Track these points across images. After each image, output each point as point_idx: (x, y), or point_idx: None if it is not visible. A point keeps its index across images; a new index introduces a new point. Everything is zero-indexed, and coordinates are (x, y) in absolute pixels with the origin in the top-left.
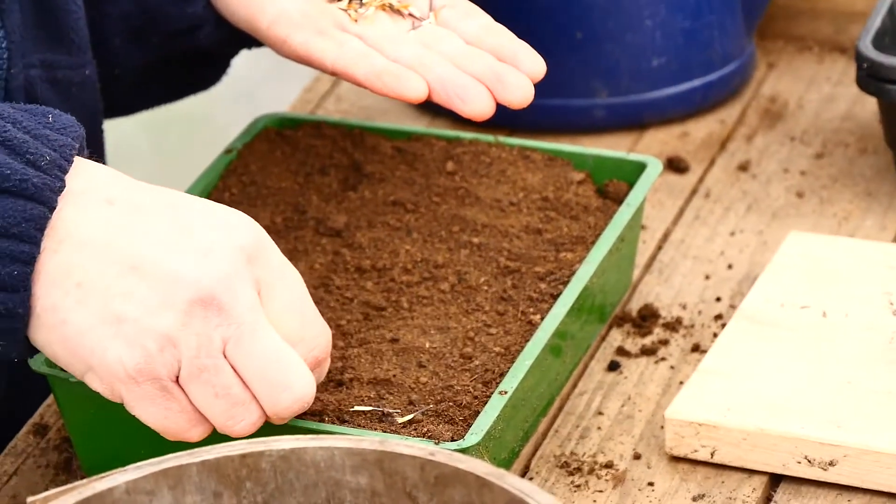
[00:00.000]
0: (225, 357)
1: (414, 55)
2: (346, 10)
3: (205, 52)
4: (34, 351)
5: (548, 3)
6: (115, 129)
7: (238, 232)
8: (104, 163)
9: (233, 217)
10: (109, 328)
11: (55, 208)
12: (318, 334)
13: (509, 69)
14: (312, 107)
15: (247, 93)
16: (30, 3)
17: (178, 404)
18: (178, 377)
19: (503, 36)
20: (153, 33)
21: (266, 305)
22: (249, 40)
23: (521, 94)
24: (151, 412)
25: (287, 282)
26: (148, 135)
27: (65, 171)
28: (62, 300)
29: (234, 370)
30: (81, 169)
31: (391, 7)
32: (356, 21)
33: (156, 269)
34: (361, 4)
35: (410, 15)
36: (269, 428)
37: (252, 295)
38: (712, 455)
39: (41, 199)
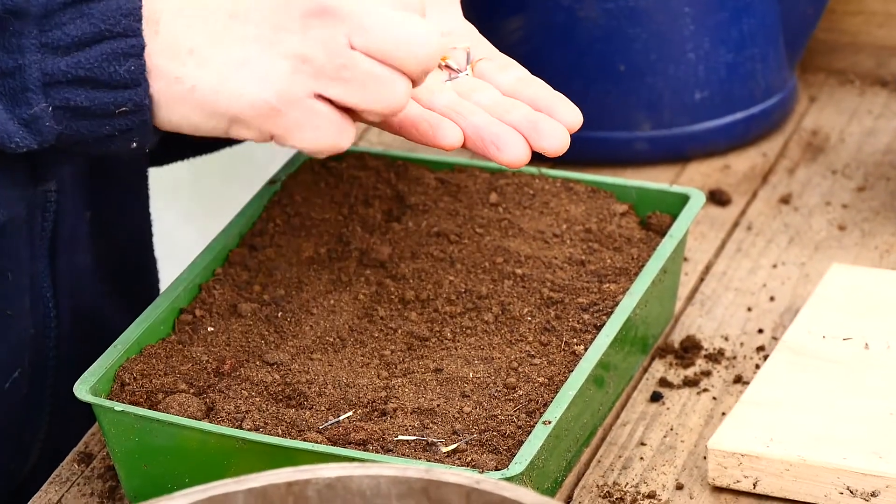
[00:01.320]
0: (354, 48)
1: (449, 104)
2: None
3: None
4: (164, 137)
5: (591, 36)
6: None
7: None
8: (149, 210)
9: None
10: (238, 73)
11: None
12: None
13: (544, 117)
14: (355, 139)
15: None
16: None
17: (324, 118)
18: (315, 92)
19: (539, 87)
20: None
21: None
22: None
23: (556, 142)
24: (305, 136)
25: None
26: (188, 170)
27: None
28: (182, 69)
29: (368, 55)
30: None
31: None
32: None
33: (254, 7)
34: None
35: (447, 66)
36: (314, 455)
37: None
38: (755, 486)
39: None
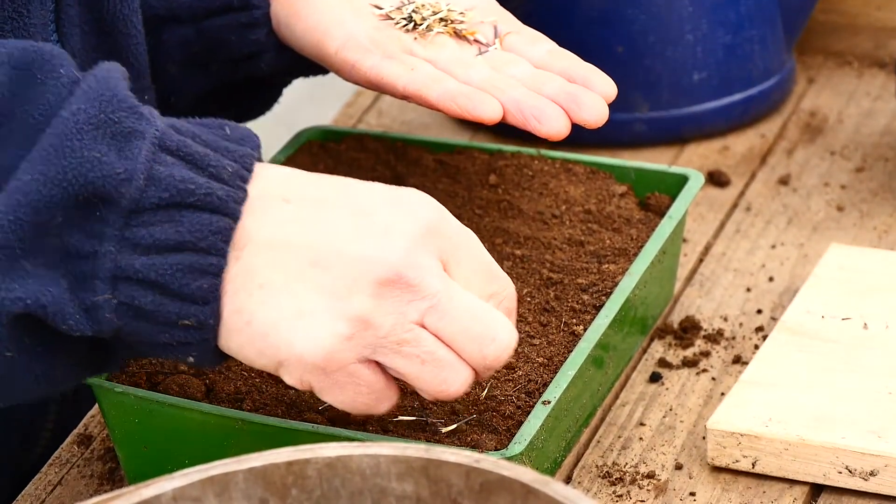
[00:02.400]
0: (424, 327)
1: (485, 78)
2: (413, 34)
3: (261, 80)
4: (224, 359)
5: (589, 18)
6: None
7: (416, 207)
8: None
9: (410, 195)
10: (295, 322)
11: (239, 218)
12: (505, 286)
13: (582, 89)
14: (354, 121)
15: (286, 113)
16: (90, 27)
17: (367, 386)
18: (366, 357)
19: (571, 59)
20: (213, 60)
21: (454, 274)
22: (308, 68)
23: (596, 114)
24: (342, 398)
25: (469, 245)
26: None
27: (246, 181)
28: (246, 303)
29: (437, 337)
30: (257, 173)
31: (457, 33)
32: (420, 38)
33: (336, 260)
34: (428, 29)
35: (476, 41)
36: (313, 436)
37: (438, 265)
38: (753, 465)
39: (226, 211)
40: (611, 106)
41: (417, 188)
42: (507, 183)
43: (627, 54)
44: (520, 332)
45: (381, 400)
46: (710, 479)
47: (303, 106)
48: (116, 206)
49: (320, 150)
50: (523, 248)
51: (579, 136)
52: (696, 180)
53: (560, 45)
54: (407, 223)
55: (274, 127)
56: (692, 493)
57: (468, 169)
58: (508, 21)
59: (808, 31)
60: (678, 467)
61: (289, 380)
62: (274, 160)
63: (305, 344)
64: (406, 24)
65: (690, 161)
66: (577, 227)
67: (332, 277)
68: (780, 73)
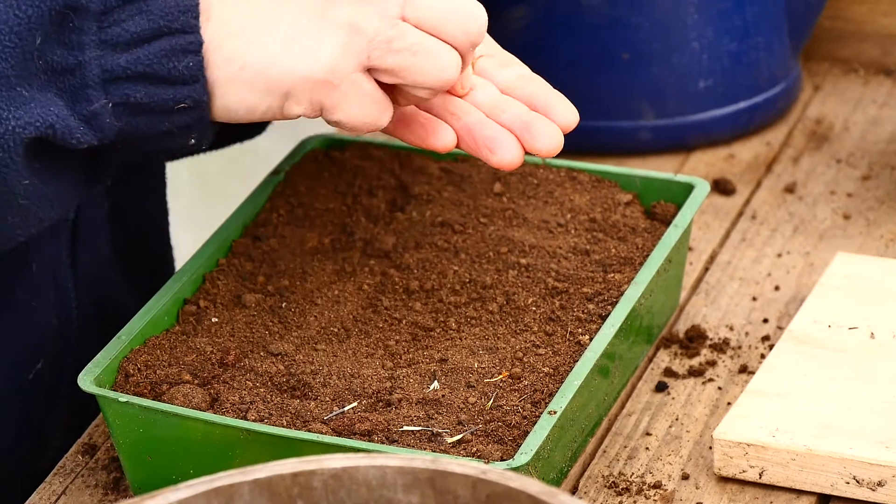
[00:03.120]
0: (405, 20)
1: (443, 102)
2: None
3: None
4: (219, 131)
5: (594, 25)
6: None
7: None
8: (165, 199)
9: None
10: (289, 48)
11: None
12: None
13: (539, 118)
14: None
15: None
16: None
17: (370, 95)
18: (364, 65)
19: (538, 85)
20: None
21: None
22: None
23: (550, 143)
24: (351, 110)
25: None
26: (189, 164)
27: None
28: (231, 52)
29: (420, 28)
30: None
31: None
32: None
33: None
34: None
35: None
36: (319, 446)
37: None
38: (761, 475)
39: None
40: (616, 114)
41: (422, 196)
42: (512, 191)
43: (633, 62)
44: (525, 342)
45: (383, 110)
46: (717, 489)
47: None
48: (86, 11)
49: (325, 159)
50: (528, 256)
51: (584, 144)
52: (702, 189)
53: (566, 52)
54: None
55: (278, 136)
56: None
57: (473, 177)
58: (485, 43)
59: (814, 39)
60: (685, 477)
61: (297, 108)
62: (279, 168)
63: (307, 63)
64: None
65: (696, 169)
66: (582, 236)
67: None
68: (785, 80)
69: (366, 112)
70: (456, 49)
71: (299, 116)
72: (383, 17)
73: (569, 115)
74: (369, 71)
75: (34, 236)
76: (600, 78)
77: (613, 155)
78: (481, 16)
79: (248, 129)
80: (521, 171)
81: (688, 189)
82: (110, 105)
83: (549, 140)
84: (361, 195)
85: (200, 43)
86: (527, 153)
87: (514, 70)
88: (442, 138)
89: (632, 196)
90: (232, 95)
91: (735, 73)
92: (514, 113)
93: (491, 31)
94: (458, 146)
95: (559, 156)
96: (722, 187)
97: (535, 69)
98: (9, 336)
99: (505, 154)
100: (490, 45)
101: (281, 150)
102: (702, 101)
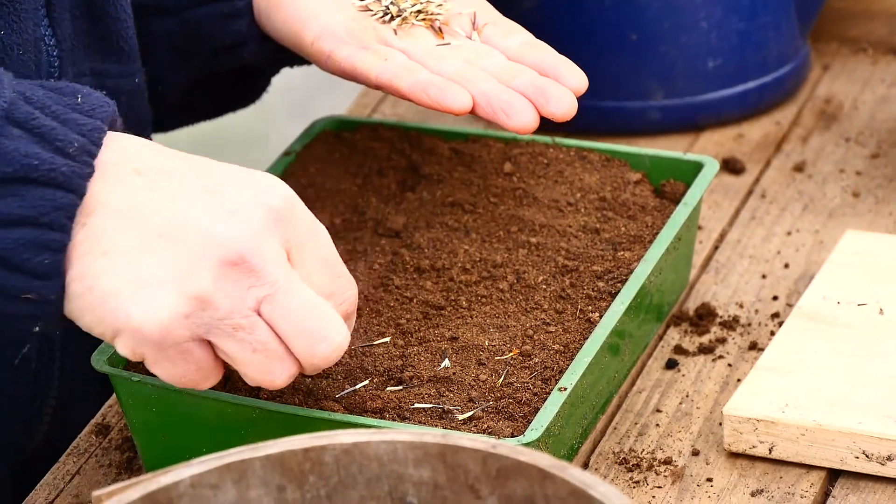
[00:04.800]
0: (259, 315)
1: (457, 70)
2: (389, 25)
3: (247, 69)
4: (69, 323)
5: (603, 5)
6: (170, 146)
7: (267, 193)
8: None
9: (262, 179)
10: (137, 292)
11: (84, 194)
12: (347, 288)
13: (551, 83)
14: (369, 111)
15: (301, 103)
16: (80, 12)
17: (195, 363)
18: (200, 337)
19: (545, 51)
20: (196, 51)
21: (297, 264)
22: (292, 58)
23: (564, 107)
24: (171, 372)
25: (316, 238)
26: (204, 154)
27: (94, 156)
28: (90, 268)
29: (269, 326)
30: (111, 142)
31: (433, 25)
32: (397, 29)
33: (182, 234)
34: (404, 20)
35: (450, 33)
36: (330, 423)
37: (282, 254)
38: (770, 451)
39: (70, 187)
40: (625, 94)
41: (432, 176)
42: (522, 171)
43: (641, 41)
44: (536, 319)
45: (207, 378)
46: (727, 464)
47: (318, 96)
48: None
49: (335, 140)
50: (538, 235)
51: (594, 124)
52: (711, 167)
53: (574, 33)
54: (256, 206)
55: (289, 117)
56: (709, 479)
57: (483, 157)
58: (486, 11)
59: (822, 18)
60: (695, 453)
61: (122, 350)
62: (290, 150)
63: (143, 316)
64: (383, 16)
65: (705, 148)
66: (592, 215)
67: (177, 251)
68: (794, 59)
69: (186, 377)
70: (298, 363)
71: (125, 356)
72: (239, 302)
73: (578, 79)
74: (206, 341)
75: None
76: (609, 58)
77: (623, 135)
78: (335, 340)
79: (243, 97)
80: (531, 150)
81: (697, 167)
82: None
83: (563, 104)
84: (372, 175)
85: (64, 244)
86: (542, 118)
87: (518, 37)
88: (459, 101)
89: (641, 175)
90: (74, 308)
91: (744, 53)
92: (526, 79)
93: (500, 10)
94: (472, 111)
95: (569, 135)
96: (731, 166)
97: None
98: None
99: (521, 118)
100: (492, 14)
101: (293, 130)
102: (711, 81)
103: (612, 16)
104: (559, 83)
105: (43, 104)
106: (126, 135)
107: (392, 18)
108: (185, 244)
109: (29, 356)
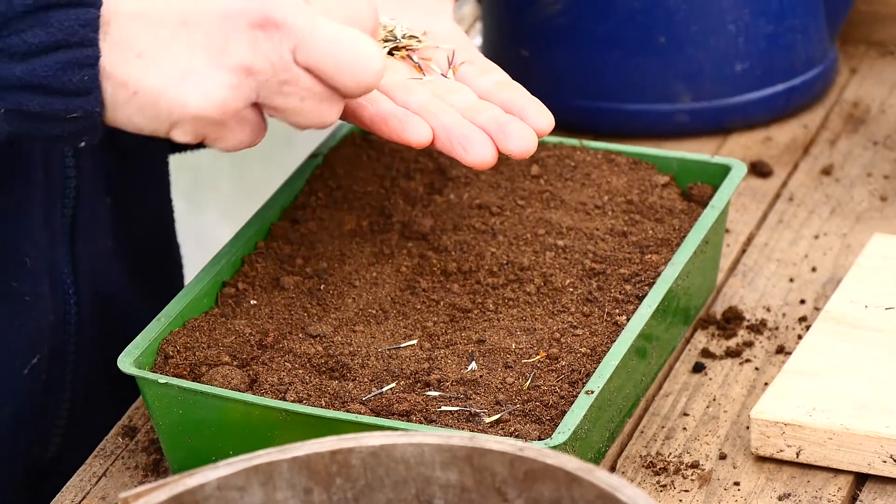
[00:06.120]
0: (297, 64)
1: (422, 103)
2: None
3: None
4: (111, 130)
5: (631, 8)
6: (198, 152)
7: None
8: (170, 195)
9: None
10: (182, 82)
11: (101, 5)
12: (363, 8)
13: (514, 120)
14: None
15: None
16: None
17: (250, 126)
18: (253, 101)
19: (516, 91)
20: None
21: (312, 4)
22: None
23: (523, 144)
24: (231, 141)
25: None
26: (230, 158)
27: None
28: (128, 73)
29: (310, 72)
30: None
31: (411, 59)
32: None
33: (203, 16)
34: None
35: (424, 69)
36: (357, 426)
37: (298, 1)
38: (798, 455)
39: (89, 2)
40: (653, 96)
41: (460, 179)
42: (550, 173)
43: (669, 45)
44: (563, 322)
45: (258, 136)
46: (755, 468)
47: None
48: None
49: (363, 142)
50: (566, 238)
51: (621, 127)
52: (739, 170)
53: (602, 36)
54: None
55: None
56: (736, 483)
57: (510, 160)
58: (466, 50)
59: (850, 22)
60: (722, 457)
61: (182, 136)
62: (317, 152)
63: (199, 101)
64: None
65: (733, 151)
66: (619, 218)
67: (205, 33)
68: (822, 63)
69: (243, 141)
70: (346, 96)
71: (185, 141)
72: (276, 61)
73: (544, 119)
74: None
75: (26, 230)
76: (637, 61)
77: (650, 137)
78: (375, 63)
79: None
80: (558, 153)
81: (724, 170)
82: (3, 111)
83: (522, 141)
84: (399, 178)
85: (97, 57)
86: (500, 153)
87: (493, 76)
88: (417, 133)
89: (669, 178)
90: (121, 114)
91: (772, 56)
92: (490, 115)
93: (526, 15)
94: (432, 144)
95: (597, 138)
96: (759, 170)
97: (571, 53)
98: (2, 330)
99: (478, 153)
100: (472, 52)
101: (320, 140)
102: (738, 84)
103: (640, 19)
104: (523, 121)
105: None
106: None
107: None
108: (209, 24)
109: (40, 367)
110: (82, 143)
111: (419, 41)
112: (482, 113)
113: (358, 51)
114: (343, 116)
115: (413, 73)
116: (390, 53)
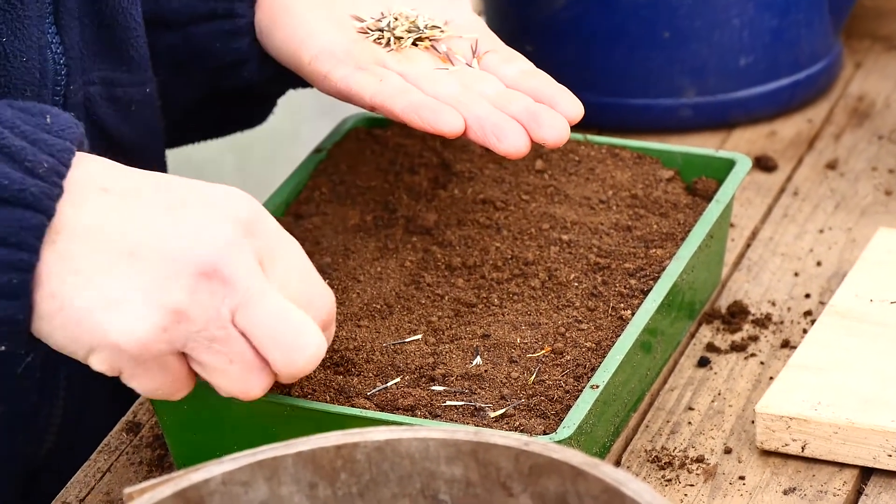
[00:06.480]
0: (234, 325)
1: (452, 93)
2: (387, 48)
3: (250, 89)
4: (39, 344)
5: (635, 3)
6: (201, 148)
7: (233, 205)
8: None
9: (228, 192)
10: (111, 308)
11: (53, 215)
12: (323, 296)
13: (545, 109)
14: None
15: (331, 104)
16: (90, 20)
17: (172, 375)
18: (179, 349)
19: (543, 79)
20: (198, 68)
21: (270, 275)
22: (294, 80)
23: (556, 133)
24: (148, 385)
25: (287, 249)
26: (233, 153)
27: (63, 177)
28: (60, 288)
29: (245, 337)
30: (78, 162)
31: (436, 48)
32: (393, 52)
33: (153, 251)
34: (399, 41)
35: (450, 57)
36: (362, 421)
37: (254, 263)
38: (803, 449)
39: (39, 208)
40: (657, 91)
41: (464, 174)
42: (554, 168)
43: (674, 39)
44: (567, 317)
45: (181, 388)
46: (760, 462)
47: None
48: None
49: (367, 137)
50: (570, 233)
51: (625, 122)
52: (744, 164)
53: (606, 30)
54: (225, 219)
55: (320, 114)
56: (741, 477)
57: None
58: (488, 39)
59: (854, 16)
60: (727, 451)
61: (99, 366)
62: (321, 147)
63: (120, 333)
64: (380, 38)
65: (737, 146)
66: (624, 212)
67: (149, 268)
68: (827, 57)
69: (162, 388)
70: (274, 373)
71: (100, 371)
72: (215, 314)
73: (574, 107)
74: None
75: None
76: (641, 55)
77: (655, 132)
78: (312, 349)
79: (248, 118)
80: (562, 147)
81: (729, 165)
82: None
83: (555, 130)
84: (403, 172)
85: (33, 264)
86: (533, 143)
87: (517, 65)
88: (449, 123)
89: (673, 172)
90: (45, 326)
91: (776, 50)
92: (521, 104)
93: (531, 9)
94: (464, 134)
95: (601, 132)
96: (764, 164)
97: (575, 47)
98: None
99: (511, 142)
100: (494, 42)
101: (323, 128)
102: (743, 78)
103: (644, 13)
104: (554, 110)
105: (12, 124)
106: (92, 155)
107: (389, 42)
108: (157, 260)
109: (33, 365)
110: (2, 348)
111: (442, 31)
112: (513, 102)
113: (300, 332)
114: (374, 108)
115: (438, 64)
116: (414, 44)
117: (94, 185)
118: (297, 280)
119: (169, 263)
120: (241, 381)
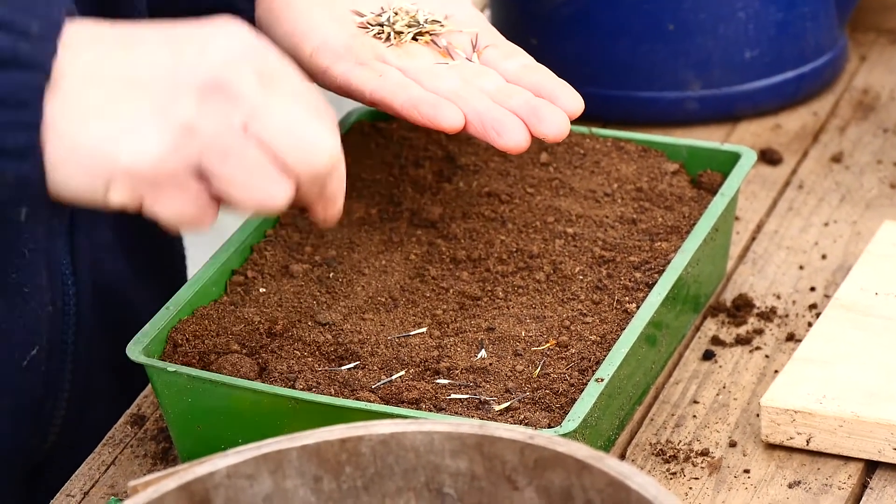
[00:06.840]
0: (247, 136)
1: (452, 88)
2: (387, 43)
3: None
4: (60, 206)
5: None
6: None
7: (230, 31)
8: None
9: (229, 23)
10: (120, 136)
11: (50, 72)
12: (328, 111)
13: (545, 103)
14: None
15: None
16: None
17: (193, 198)
18: (193, 168)
19: (543, 74)
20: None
21: (274, 93)
22: None
23: (556, 128)
24: (172, 208)
25: (288, 72)
26: None
27: (56, 37)
28: (67, 129)
29: (259, 146)
30: (70, 22)
31: (436, 42)
32: (393, 47)
33: (153, 76)
34: (399, 36)
35: (450, 52)
36: (367, 414)
37: (255, 79)
38: (808, 442)
39: (35, 66)
40: (662, 84)
41: (469, 167)
42: (559, 161)
43: (678, 32)
44: (572, 310)
45: (206, 214)
46: (765, 456)
47: None
48: None
49: (371, 130)
50: (575, 226)
51: (630, 115)
52: (749, 157)
53: (611, 23)
54: (224, 42)
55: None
56: (746, 471)
57: None
58: (489, 34)
59: (860, 9)
60: (732, 445)
61: (120, 198)
62: None
63: (133, 155)
64: (380, 33)
65: (742, 139)
66: (629, 205)
67: (153, 92)
68: (832, 50)
69: (186, 212)
70: (293, 180)
71: (122, 206)
72: (225, 124)
73: (574, 102)
74: (200, 173)
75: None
76: (646, 48)
77: (660, 125)
78: (329, 149)
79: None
80: (567, 140)
81: (734, 158)
82: None
83: (555, 125)
84: (408, 166)
85: (38, 121)
86: (533, 138)
87: (518, 60)
88: (449, 118)
89: (678, 165)
90: (60, 174)
91: (781, 43)
92: (521, 99)
93: (536, 3)
94: (464, 129)
95: (606, 125)
96: (769, 157)
97: (580, 40)
98: (0, 321)
99: (511, 137)
100: (494, 36)
101: None
102: (748, 71)
103: (649, 6)
104: (554, 105)
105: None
106: (83, 19)
107: (389, 37)
108: (159, 84)
109: (39, 358)
110: (23, 216)
111: (442, 26)
112: (513, 97)
113: (315, 132)
114: (374, 103)
115: (439, 58)
116: (414, 39)
117: (87, 38)
118: (300, 99)
119: (171, 85)
120: (261, 190)
